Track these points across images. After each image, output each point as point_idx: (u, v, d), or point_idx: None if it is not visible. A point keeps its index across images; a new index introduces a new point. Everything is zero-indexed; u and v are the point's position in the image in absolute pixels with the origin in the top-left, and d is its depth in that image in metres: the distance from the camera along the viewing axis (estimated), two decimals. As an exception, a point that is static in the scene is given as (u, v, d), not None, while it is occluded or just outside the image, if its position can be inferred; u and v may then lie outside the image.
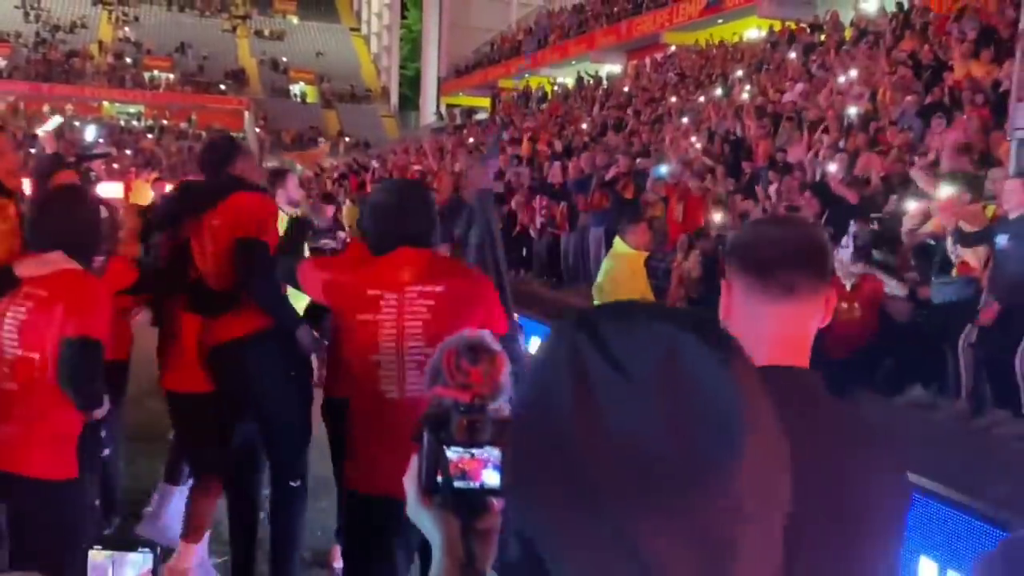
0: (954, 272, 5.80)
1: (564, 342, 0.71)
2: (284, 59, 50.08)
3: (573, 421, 0.67)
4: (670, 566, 0.65)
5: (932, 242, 6.24)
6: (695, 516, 0.65)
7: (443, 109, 37.35)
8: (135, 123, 44.65)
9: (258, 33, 53.28)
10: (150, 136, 41.33)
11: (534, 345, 6.87)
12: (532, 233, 11.87)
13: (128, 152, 33.57)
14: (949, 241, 5.83)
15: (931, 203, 6.32)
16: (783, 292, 1.30)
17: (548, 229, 11.48)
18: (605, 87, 23.14)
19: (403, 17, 50.82)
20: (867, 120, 9.97)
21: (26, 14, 48.43)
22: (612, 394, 0.67)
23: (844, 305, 6.00)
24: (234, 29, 52.91)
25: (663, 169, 10.56)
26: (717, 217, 8.24)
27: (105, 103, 44.88)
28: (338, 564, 3.86)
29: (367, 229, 2.89)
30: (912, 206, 6.66)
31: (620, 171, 10.58)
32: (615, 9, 27.01)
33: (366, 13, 55.41)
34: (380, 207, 2.83)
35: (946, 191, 5.87)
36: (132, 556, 1.18)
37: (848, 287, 6.09)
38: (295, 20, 56.22)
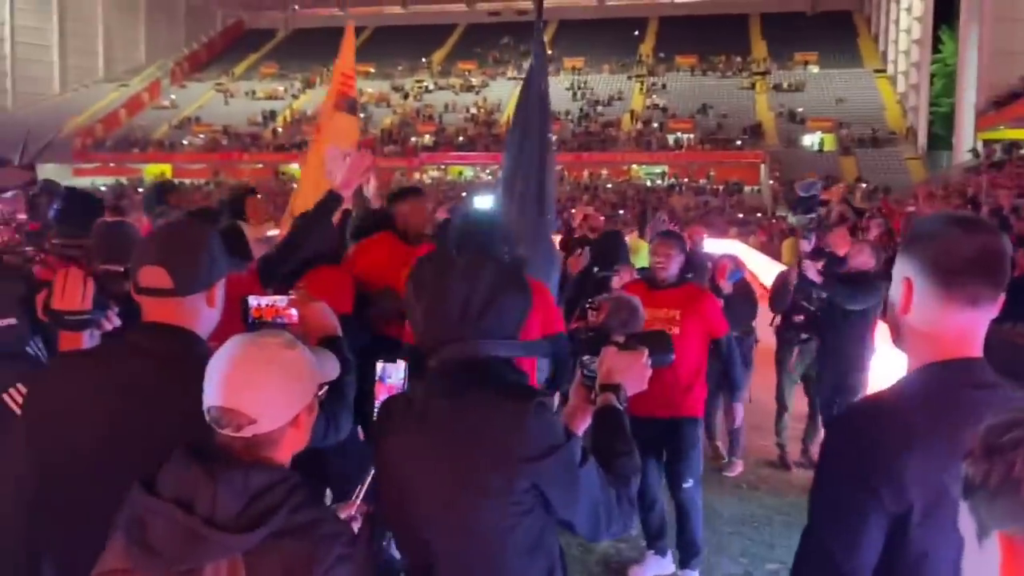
0: None
1: None
2: (801, 109, 49.57)
3: None
4: None
5: None
6: None
7: (979, 145, 33.18)
8: (659, 182, 48.05)
9: (776, 87, 53.66)
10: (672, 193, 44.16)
11: None
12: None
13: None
14: None
15: None
16: (968, 302, 1.34)
17: None
18: None
19: (936, 51, 46.79)
20: None
21: (573, 94, 55.62)
22: None
23: None
24: (753, 86, 54.09)
25: None
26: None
27: (633, 166, 49.12)
28: None
29: None
30: None
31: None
32: None
33: (892, 52, 52.26)
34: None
35: None
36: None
37: None
38: (816, 69, 55.42)
